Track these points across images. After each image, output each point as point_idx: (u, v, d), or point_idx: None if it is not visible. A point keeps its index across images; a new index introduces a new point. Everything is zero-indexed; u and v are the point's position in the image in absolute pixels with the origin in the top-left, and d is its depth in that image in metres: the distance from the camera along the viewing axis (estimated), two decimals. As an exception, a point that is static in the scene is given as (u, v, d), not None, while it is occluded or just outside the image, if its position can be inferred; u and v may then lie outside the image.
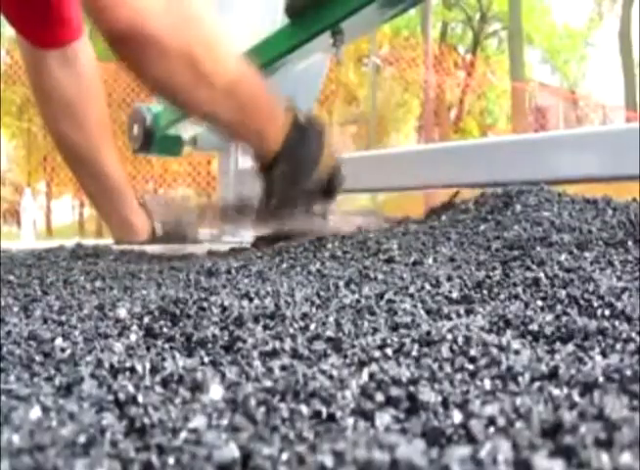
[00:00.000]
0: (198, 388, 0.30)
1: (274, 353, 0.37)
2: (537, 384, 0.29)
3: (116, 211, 1.49)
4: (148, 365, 0.34)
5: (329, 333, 0.40)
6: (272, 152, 0.99)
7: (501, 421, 0.24)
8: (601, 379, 0.28)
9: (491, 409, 0.25)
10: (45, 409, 0.27)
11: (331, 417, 0.26)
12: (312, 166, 0.98)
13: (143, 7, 0.86)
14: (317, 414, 0.27)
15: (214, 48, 0.93)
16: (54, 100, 1.40)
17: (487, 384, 0.29)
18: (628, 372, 0.29)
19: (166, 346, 0.40)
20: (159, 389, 0.31)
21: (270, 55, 1.32)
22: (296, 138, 0.98)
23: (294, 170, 0.98)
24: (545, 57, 18.87)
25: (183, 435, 0.24)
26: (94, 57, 1.44)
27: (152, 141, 1.70)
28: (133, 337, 0.42)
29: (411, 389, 0.28)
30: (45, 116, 1.47)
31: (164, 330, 0.43)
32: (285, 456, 0.22)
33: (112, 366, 0.34)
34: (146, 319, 0.46)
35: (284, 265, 0.72)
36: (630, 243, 0.69)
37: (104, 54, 1.40)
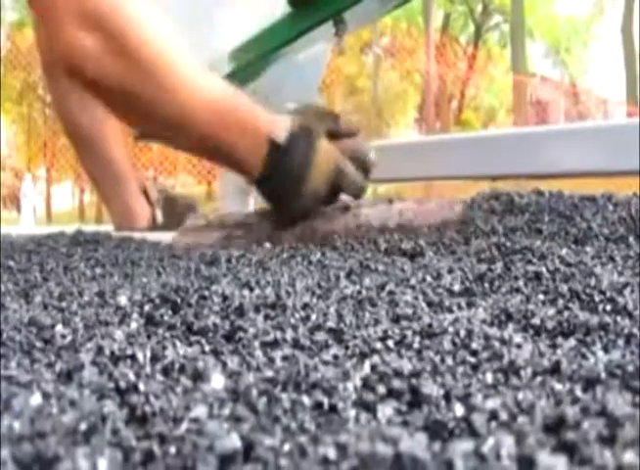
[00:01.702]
0: (199, 377, 0.30)
1: (275, 343, 0.36)
2: (539, 378, 0.29)
3: (118, 196, 1.49)
4: (149, 353, 0.34)
5: (330, 324, 0.40)
6: (254, 173, 0.90)
7: (503, 415, 0.24)
8: (603, 375, 0.28)
9: (493, 403, 0.25)
10: (46, 396, 0.27)
11: (333, 408, 0.26)
12: (298, 185, 0.87)
13: (76, 44, 0.84)
14: (319, 405, 0.27)
15: (154, 78, 0.85)
16: (64, 79, 1.40)
17: (489, 377, 0.29)
18: (630, 368, 0.29)
19: (167, 334, 0.40)
20: (160, 377, 0.31)
21: (272, 44, 1.31)
22: (274, 159, 0.87)
23: (280, 191, 0.89)
24: (547, 50, 18.81)
25: (184, 424, 0.24)
26: None
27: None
28: (134, 325, 0.42)
29: (413, 381, 0.28)
30: (54, 95, 1.47)
31: (165, 318, 0.43)
32: (287, 448, 0.22)
33: (112, 354, 0.34)
34: (146, 307, 0.46)
35: (284, 255, 0.72)
36: (631, 238, 0.69)
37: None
